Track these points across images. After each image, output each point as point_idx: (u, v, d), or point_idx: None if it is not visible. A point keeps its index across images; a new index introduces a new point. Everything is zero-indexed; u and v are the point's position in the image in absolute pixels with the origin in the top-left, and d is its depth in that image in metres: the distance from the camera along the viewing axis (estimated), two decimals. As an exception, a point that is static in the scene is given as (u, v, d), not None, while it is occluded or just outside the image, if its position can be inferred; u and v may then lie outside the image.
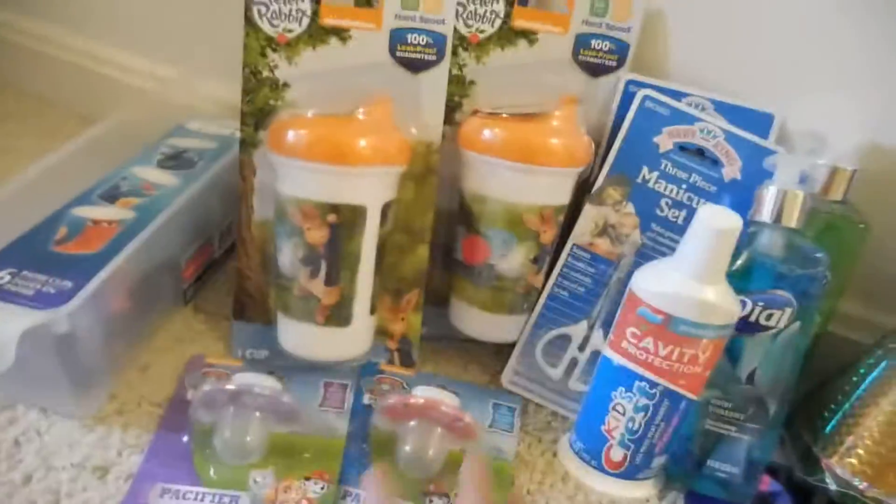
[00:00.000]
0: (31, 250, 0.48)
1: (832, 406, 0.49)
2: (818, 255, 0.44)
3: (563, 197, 0.50)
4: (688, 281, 0.40)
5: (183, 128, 0.66)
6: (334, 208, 0.46)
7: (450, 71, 0.49)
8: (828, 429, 0.49)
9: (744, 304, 0.43)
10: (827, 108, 0.49)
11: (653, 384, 0.43)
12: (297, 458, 0.45)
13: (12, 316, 0.41)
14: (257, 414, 0.45)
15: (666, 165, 0.46)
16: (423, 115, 0.50)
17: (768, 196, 0.43)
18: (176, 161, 0.61)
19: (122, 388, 0.49)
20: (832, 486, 0.47)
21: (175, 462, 0.45)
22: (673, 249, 0.42)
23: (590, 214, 0.46)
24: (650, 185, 0.46)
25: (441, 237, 0.53)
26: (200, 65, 0.70)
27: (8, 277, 0.45)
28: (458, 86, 0.51)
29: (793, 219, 0.43)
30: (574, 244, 0.47)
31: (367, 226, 0.47)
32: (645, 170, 0.46)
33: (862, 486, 0.46)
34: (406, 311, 0.53)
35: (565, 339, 0.48)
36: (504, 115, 0.50)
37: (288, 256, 0.48)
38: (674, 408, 0.44)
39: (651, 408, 0.44)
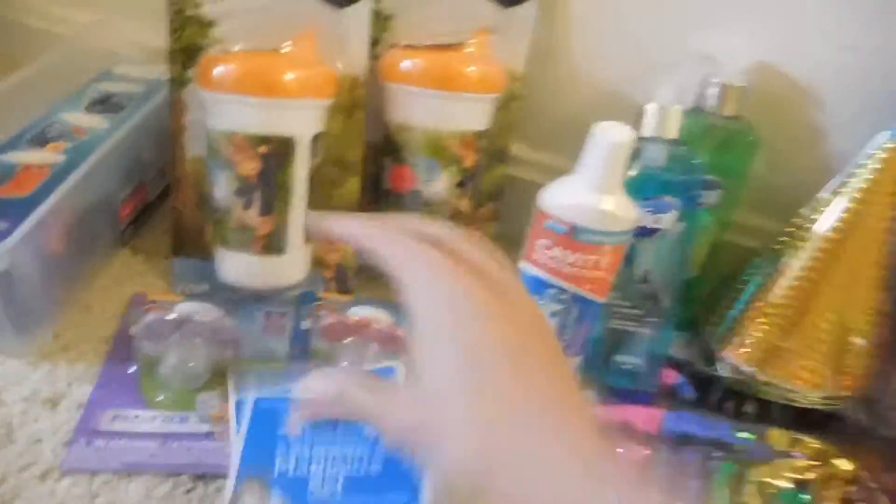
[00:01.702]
0: (-37, 195, 0.49)
1: (726, 305, 0.55)
2: (696, 161, 0.49)
3: (482, 122, 0.54)
4: (588, 192, 0.44)
5: (110, 73, 0.66)
6: (264, 140, 0.48)
7: (369, 6, 0.51)
8: (722, 326, 0.54)
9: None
10: (723, 33, 0.54)
11: (563, 290, 0.47)
12: (241, 379, 0.49)
13: (-50, 253, 0.42)
14: (200, 340, 0.48)
15: (300, 447, 0.41)
16: (347, 50, 0.52)
17: (650, 112, 0.48)
18: (104, 105, 0.61)
19: (66, 326, 0.51)
20: (726, 374, 0.53)
21: (124, 391, 0.47)
22: None
23: None
24: (290, 474, 0.41)
25: (369, 169, 0.56)
26: (123, 8, 0.69)
27: (-59, 220, 0.46)
28: (377, 21, 0.53)
29: (672, 131, 0.48)
30: None
31: (298, 157, 0.49)
32: (280, 458, 0.41)
33: (750, 371, 0.52)
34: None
35: None
36: (421, 47, 0.53)
37: (222, 190, 0.50)
38: (583, 311, 0.48)
39: (563, 312, 0.48)
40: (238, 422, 0.43)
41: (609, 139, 0.42)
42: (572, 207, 0.44)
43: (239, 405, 0.44)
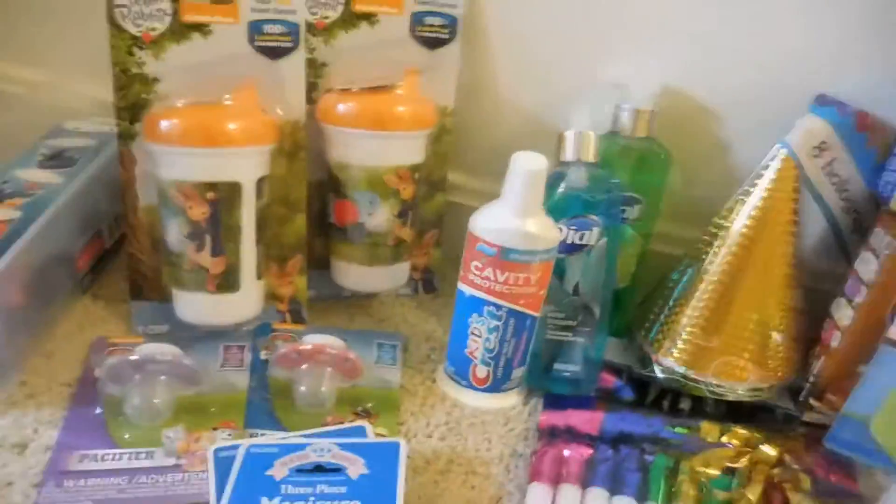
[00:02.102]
0: (-78, 255, 0.51)
1: (656, 310, 0.59)
2: (614, 180, 0.53)
3: (417, 156, 0.58)
4: (512, 216, 0.48)
5: (60, 128, 0.69)
6: (212, 186, 0.51)
7: (303, 55, 0.55)
8: (654, 330, 0.59)
9: (561, 230, 0.52)
10: (630, 63, 0.59)
11: (498, 307, 0.51)
12: (203, 413, 0.51)
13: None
14: (162, 378, 0.51)
15: (286, 489, 0.43)
16: (286, 97, 0.55)
17: (568, 138, 0.52)
18: (57, 160, 0.63)
19: (30, 374, 0.53)
20: (661, 375, 0.57)
21: (90, 432, 0.49)
22: None
23: None
24: None
25: (315, 205, 0.60)
26: (70, 67, 0.72)
27: None
28: (313, 68, 0.57)
29: (590, 154, 0.52)
30: None
31: (244, 200, 0.52)
32: (265, 500, 0.42)
33: (681, 370, 0.56)
34: (292, 275, 0.59)
35: None
36: (355, 90, 0.57)
37: (175, 234, 0.53)
38: (520, 325, 0.52)
39: (501, 327, 0.52)
40: (217, 469, 0.45)
41: (526, 167, 0.46)
42: (499, 231, 0.48)
43: (217, 455, 0.46)
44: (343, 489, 0.43)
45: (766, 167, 0.54)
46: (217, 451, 0.46)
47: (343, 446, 0.45)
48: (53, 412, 0.50)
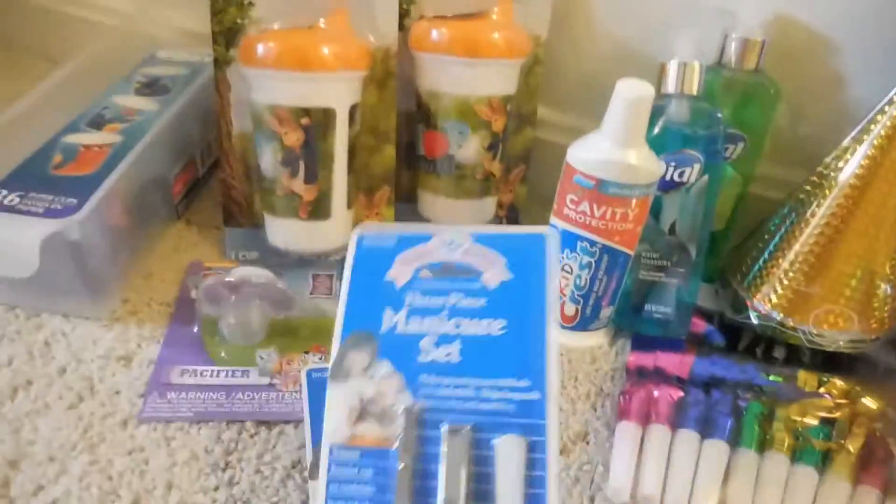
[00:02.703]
0: (33, 175, 0.53)
1: (754, 254, 0.57)
2: (718, 115, 0.50)
3: (510, 87, 0.56)
4: (613, 147, 0.46)
5: (154, 57, 0.70)
6: (306, 112, 0.51)
7: (397, -20, 0.54)
8: (750, 275, 0.56)
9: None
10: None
11: (592, 243, 0.50)
12: (295, 337, 0.52)
13: (31, 227, 0.46)
14: (257, 300, 0.52)
15: (412, 299, 0.35)
16: (378, 23, 0.54)
17: (671, 69, 0.50)
18: (152, 88, 0.65)
19: (131, 293, 0.55)
20: (755, 322, 0.55)
21: (189, 349, 0.51)
22: (455, 397, 0.33)
23: (338, 398, 0.34)
24: (399, 329, 0.34)
25: (403, 137, 0.59)
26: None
27: (17, 199, 0.50)
28: (406, -7, 0.55)
29: (693, 86, 0.50)
30: (331, 445, 0.34)
31: (338, 127, 0.52)
32: (388, 314, 0.35)
33: (779, 317, 0.54)
34: (379, 207, 0.59)
35: None
36: (448, 17, 0.56)
37: (269, 160, 0.53)
38: (613, 262, 0.51)
39: (593, 264, 0.51)
40: (311, 389, 0.43)
41: (630, 95, 0.44)
42: (598, 162, 0.47)
43: (311, 376, 0.42)
44: (482, 301, 0.35)
45: (890, 102, 0.50)
46: (310, 372, 0.47)
47: (479, 238, 0.36)
48: (154, 329, 0.53)
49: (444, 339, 0.34)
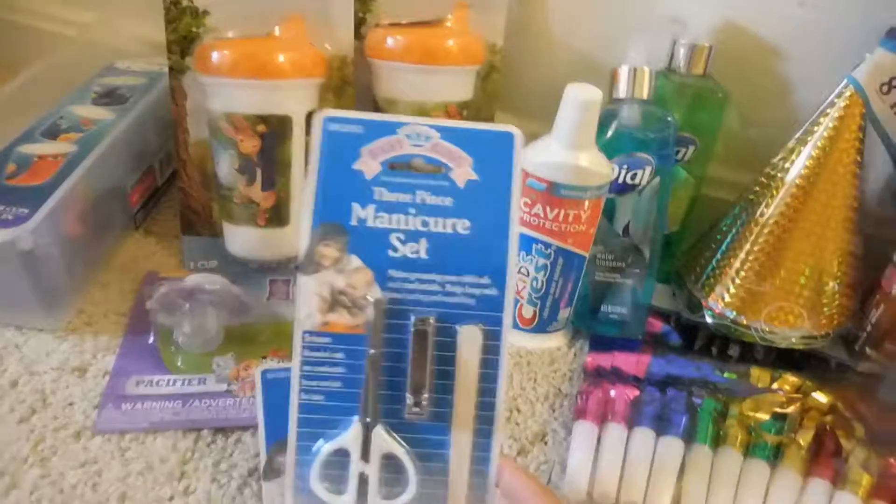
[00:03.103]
0: (-15, 186, 0.52)
1: (707, 255, 0.58)
2: (668, 118, 0.52)
3: (465, 93, 0.57)
4: (564, 150, 0.47)
5: (112, 67, 0.70)
6: (263, 119, 0.51)
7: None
8: (704, 275, 0.57)
9: (613, 169, 0.51)
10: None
11: (547, 245, 0.50)
12: (253, 343, 0.52)
13: (-21, 236, 0.46)
14: (211, 306, 0.52)
15: (380, 193, 0.35)
16: (334, 32, 0.54)
17: (622, 74, 0.51)
18: (109, 98, 0.64)
19: (87, 303, 0.55)
20: (710, 321, 0.56)
21: (145, 358, 0.51)
22: (421, 291, 0.35)
23: (309, 289, 0.34)
24: (369, 223, 0.35)
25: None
26: (121, 7, 0.73)
27: (-33, 210, 0.49)
28: (361, 2, 0.56)
29: (644, 91, 0.51)
30: (304, 332, 0.35)
31: (294, 134, 0.52)
32: (356, 208, 0.35)
33: (732, 316, 0.55)
34: (339, 214, 0.60)
35: (342, 455, 0.35)
36: (403, 24, 0.56)
37: (226, 168, 0.53)
38: (568, 264, 0.52)
39: (549, 266, 0.51)
40: (265, 389, 0.43)
41: (579, 98, 0.45)
42: (550, 165, 0.47)
43: (265, 377, 0.43)
44: (449, 200, 0.35)
45: (831, 104, 0.52)
46: (264, 372, 0.46)
47: (445, 134, 0.36)
48: (110, 340, 0.52)
49: (411, 236, 0.35)
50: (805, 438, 0.48)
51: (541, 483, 0.37)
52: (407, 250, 0.35)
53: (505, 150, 0.36)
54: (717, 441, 0.48)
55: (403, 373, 0.35)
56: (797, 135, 0.54)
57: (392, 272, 0.35)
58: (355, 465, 0.36)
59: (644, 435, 0.48)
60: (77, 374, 0.49)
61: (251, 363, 0.51)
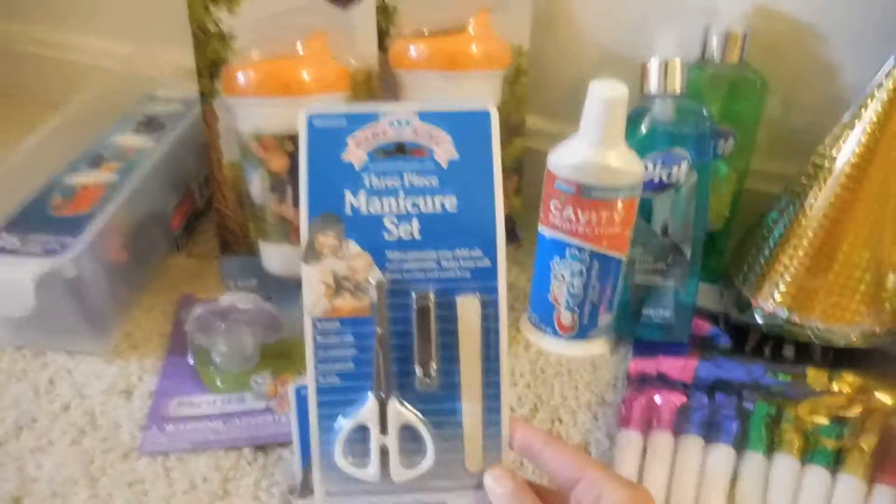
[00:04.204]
0: (33, 217, 0.54)
1: (754, 251, 0.55)
2: (704, 112, 0.50)
3: (493, 97, 0.56)
4: (591, 150, 0.45)
5: (151, 96, 0.72)
6: (290, 137, 0.52)
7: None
8: (752, 273, 0.55)
9: (647, 167, 0.49)
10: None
11: (581, 249, 0.49)
12: (288, 358, 0.52)
13: (26, 266, 0.47)
14: (246, 325, 0.52)
15: (370, 181, 0.37)
16: (357, 45, 0.55)
17: (652, 69, 0.49)
18: (148, 126, 0.66)
19: (132, 326, 0.56)
20: (761, 321, 0.53)
21: (185, 379, 0.52)
22: (418, 269, 0.37)
23: (313, 277, 0.37)
24: (362, 210, 0.37)
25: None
26: (157, 36, 0.75)
27: (17, 242, 0.52)
28: (383, 14, 0.56)
29: (676, 85, 0.49)
30: (314, 319, 0.37)
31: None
32: (349, 196, 0.37)
33: (784, 315, 0.53)
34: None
35: (362, 430, 0.38)
36: (426, 33, 0.56)
37: (258, 187, 0.54)
38: (605, 268, 0.50)
39: (584, 271, 0.50)
40: (298, 405, 0.43)
41: (604, 96, 0.44)
42: (578, 167, 0.46)
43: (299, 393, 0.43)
44: (434, 180, 0.37)
45: (879, 85, 0.49)
46: (299, 388, 0.46)
47: (424, 117, 0.38)
48: (154, 361, 0.53)
49: (403, 218, 0.37)
50: (868, 442, 0.45)
51: (553, 435, 0.40)
52: (401, 232, 0.37)
53: (483, 128, 0.38)
54: (772, 448, 0.46)
55: (410, 347, 0.37)
56: (843, 119, 0.51)
57: (389, 253, 0.37)
58: (375, 439, 0.38)
59: (692, 443, 0.46)
60: (124, 396, 0.51)
61: (288, 379, 0.51)
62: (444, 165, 0.37)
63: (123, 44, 0.78)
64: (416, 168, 0.37)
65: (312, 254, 0.37)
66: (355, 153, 0.37)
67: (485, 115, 0.38)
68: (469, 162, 0.37)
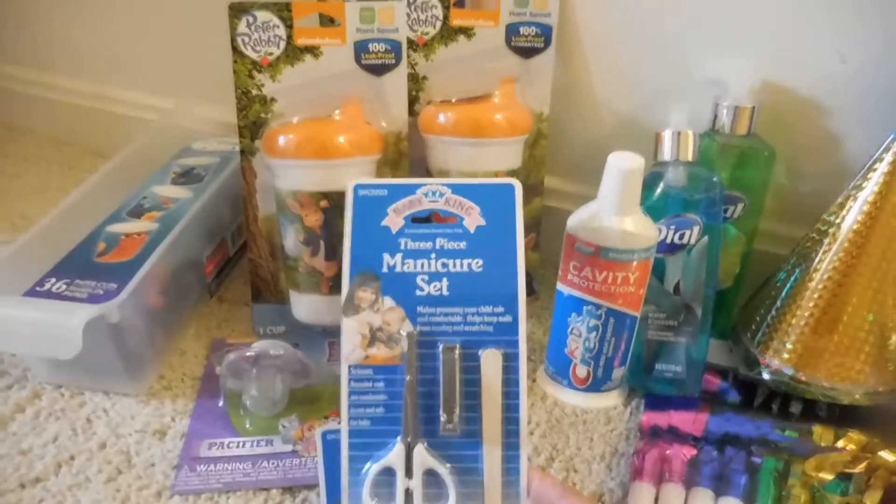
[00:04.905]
0: (79, 263, 0.58)
1: (762, 310, 0.58)
2: (714, 179, 0.53)
3: (514, 161, 0.60)
4: (609, 216, 0.49)
5: (189, 148, 0.76)
6: (325, 195, 0.55)
7: (405, 70, 0.58)
8: (760, 331, 0.57)
9: (660, 230, 0.52)
10: (726, 59, 0.58)
11: (597, 306, 0.52)
12: (315, 404, 0.55)
13: (75, 311, 0.50)
14: (276, 371, 0.55)
15: (405, 243, 0.41)
16: (390, 111, 0.58)
17: (666, 138, 0.52)
18: (186, 177, 0.70)
19: (166, 369, 0.59)
20: (768, 378, 0.56)
21: (216, 421, 0.54)
22: (446, 322, 0.41)
23: (351, 328, 0.41)
24: (397, 269, 0.41)
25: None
26: (196, 93, 0.80)
27: (64, 286, 0.55)
28: (414, 82, 0.60)
29: (688, 153, 0.52)
30: (349, 366, 0.41)
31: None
32: (386, 257, 0.41)
33: (790, 372, 0.55)
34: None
35: (389, 473, 0.40)
36: (453, 101, 0.60)
37: (292, 241, 0.57)
38: (619, 324, 0.53)
39: (600, 327, 0.53)
40: (325, 450, 0.47)
41: (621, 167, 0.47)
42: (596, 230, 0.49)
43: (325, 438, 0.47)
44: (463, 244, 0.42)
45: (880, 159, 0.52)
46: (325, 433, 0.49)
47: (455, 189, 0.43)
48: (186, 403, 0.56)
49: (434, 277, 0.41)
50: (873, 499, 0.47)
51: (567, 485, 0.42)
52: (431, 289, 0.41)
53: (508, 199, 0.42)
54: (780, 502, 0.47)
55: (436, 395, 0.40)
56: (848, 188, 0.53)
57: (420, 308, 0.41)
58: (401, 482, 0.40)
59: (703, 495, 0.48)
60: (158, 437, 0.53)
61: (314, 423, 0.53)
62: (472, 231, 0.42)
63: (165, 98, 0.83)
64: (447, 233, 0.42)
65: (352, 307, 0.42)
66: (394, 219, 0.42)
67: (510, 188, 0.42)
68: (495, 228, 0.42)
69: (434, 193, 0.43)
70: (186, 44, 0.80)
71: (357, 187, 0.43)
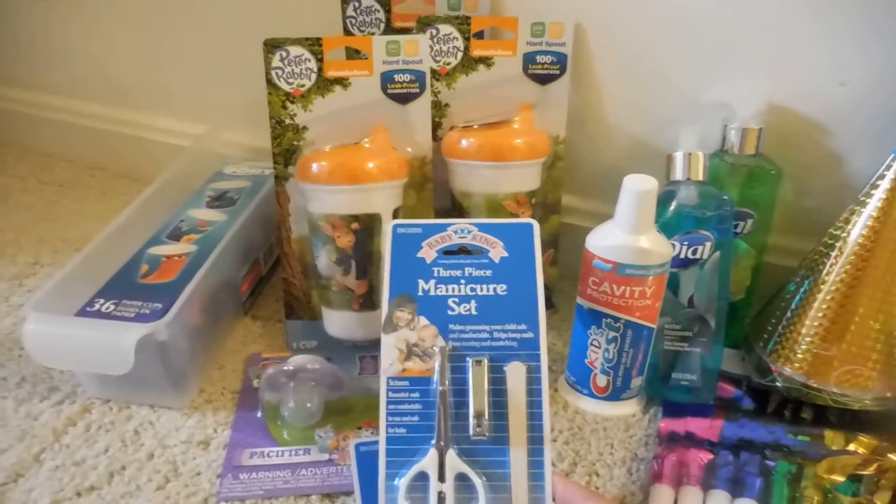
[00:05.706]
0: (124, 284, 0.62)
1: (773, 320, 0.60)
2: (725, 197, 0.56)
3: (533, 183, 0.63)
4: (625, 234, 0.52)
5: (221, 173, 0.80)
6: (355, 218, 0.59)
7: (428, 98, 0.62)
8: (772, 340, 0.60)
9: (674, 245, 0.55)
10: (734, 83, 0.61)
11: (616, 319, 0.55)
12: (349, 415, 0.58)
13: (126, 330, 0.54)
14: (313, 384, 0.58)
15: (438, 271, 0.46)
16: (414, 137, 0.62)
17: (677, 159, 0.56)
18: (220, 201, 0.74)
19: (206, 383, 0.62)
20: (781, 385, 0.58)
21: (255, 432, 0.57)
22: (475, 339, 0.45)
23: (390, 344, 0.45)
24: (431, 293, 0.46)
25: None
26: (227, 120, 0.84)
27: (112, 306, 0.59)
28: (437, 109, 0.64)
29: (699, 173, 0.55)
30: (388, 378, 0.45)
31: (384, 229, 0.59)
32: (421, 283, 0.46)
33: (801, 379, 0.57)
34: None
35: (423, 477, 0.43)
36: (475, 127, 0.63)
37: (324, 261, 0.61)
38: (637, 336, 0.55)
39: (619, 339, 0.56)
40: (358, 460, 0.52)
41: (636, 189, 0.50)
42: (614, 248, 0.52)
43: (358, 449, 0.52)
44: (489, 272, 0.47)
45: (882, 176, 0.55)
46: (358, 445, 0.52)
47: (481, 227, 0.48)
48: (227, 415, 0.59)
49: (463, 299, 0.46)
50: (882, 500, 0.49)
51: (591, 489, 0.45)
52: (461, 309, 0.46)
53: (527, 235, 0.48)
54: (793, 503, 0.50)
55: (466, 405, 0.44)
56: (852, 203, 0.56)
57: (452, 326, 0.46)
58: (434, 486, 0.43)
59: (720, 497, 0.50)
60: (202, 447, 0.56)
61: (349, 433, 0.56)
62: (497, 261, 0.47)
63: (196, 125, 0.87)
64: (474, 263, 0.47)
65: (391, 325, 0.46)
66: (428, 252, 0.48)
67: (529, 226, 0.48)
68: (516, 259, 0.47)
69: (462, 231, 0.48)
70: (219, 73, 0.84)
71: (396, 227, 0.49)
